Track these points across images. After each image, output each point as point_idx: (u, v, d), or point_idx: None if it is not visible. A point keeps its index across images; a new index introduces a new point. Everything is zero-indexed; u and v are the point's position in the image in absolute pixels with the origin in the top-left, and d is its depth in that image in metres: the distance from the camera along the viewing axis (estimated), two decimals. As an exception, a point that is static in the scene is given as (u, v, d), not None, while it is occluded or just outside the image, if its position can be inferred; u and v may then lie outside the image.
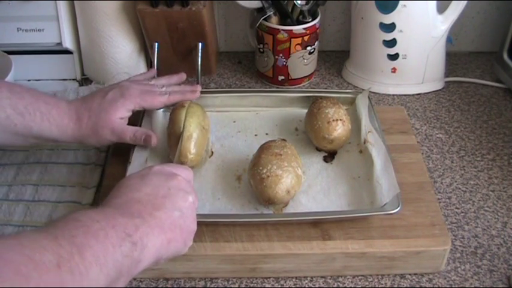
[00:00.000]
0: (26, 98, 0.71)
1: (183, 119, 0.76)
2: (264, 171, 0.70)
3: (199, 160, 0.77)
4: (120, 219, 0.53)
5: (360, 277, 0.68)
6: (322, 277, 0.68)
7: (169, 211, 0.57)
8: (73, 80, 1.00)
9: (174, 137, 0.76)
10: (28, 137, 0.72)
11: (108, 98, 0.75)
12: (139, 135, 0.76)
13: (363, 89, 0.90)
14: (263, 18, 0.94)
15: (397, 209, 0.67)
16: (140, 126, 0.80)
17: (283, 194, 0.69)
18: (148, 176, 0.60)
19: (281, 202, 0.70)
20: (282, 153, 0.72)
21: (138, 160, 0.75)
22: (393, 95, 1.00)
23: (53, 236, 0.47)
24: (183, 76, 0.87)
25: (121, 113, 0.75)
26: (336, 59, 1.09)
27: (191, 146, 0.74)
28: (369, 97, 0.84)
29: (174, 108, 0.79)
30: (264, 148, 0.73)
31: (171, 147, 0.76)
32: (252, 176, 0.71)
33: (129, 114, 0.76)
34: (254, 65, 1.04)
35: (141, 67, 1.02)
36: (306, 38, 0.95)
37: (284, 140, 0.77)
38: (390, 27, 0.93)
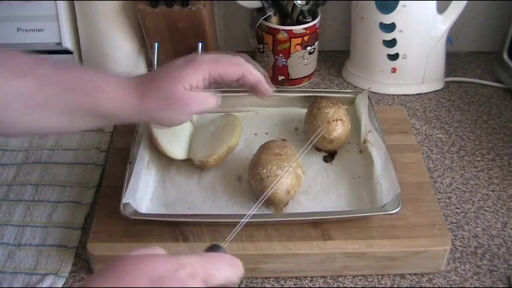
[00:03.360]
0: (73, 72, 0.62)
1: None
2: (264, 171, 0.70)
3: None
4: None
5: (360, 277, 0.68)
6: (322, 277, 0.68)
7: None
8: (73, 80, 1.00)
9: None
10: (79, 115, 0.62)
11: (176, 65, 0.65)
12: (218, 100, 0.67)
13: (363, 89, 0.90)
14: (263, 18, 0.94)
15: (397, 209, 0.67)
16: (138, 124, 0.80)
17: (283, 194, 0.69)
18: (163, 281, 0.43)
19: (281, 202, 0.70)
20: (282, 153, 0.72)
21: (139, 163, 0.74)
22: (393, 95, 1.00)
23: None
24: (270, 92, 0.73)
25: (194, 80, 0.64)
26: (336, 59, 1.09)
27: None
28: (368, 97, 0.84)
29: None
30: (264, 148, 0.73)
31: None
32: (252, 176, 0.71)
33: (203, 82, 0.65)
34: (254, 65, 1.04)
35: (141, 67, 1.02)
36: (306, 38, 0.95)
37: (284, 140, 0.77)
38: (390, 27, 0.93)
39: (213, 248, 0.50)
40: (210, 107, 0.66)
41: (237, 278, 0.48)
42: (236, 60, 0.68)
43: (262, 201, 0.65)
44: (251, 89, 0.70)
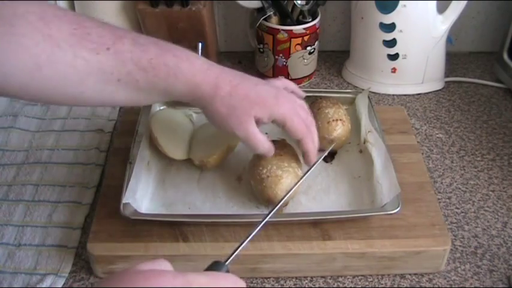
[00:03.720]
0: (151, 51, 0.61)
1: None
2: (264, 171, 0.70)
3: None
4: None
5: (360, 277, 0.68)
6: (322, 277, 0.68)
7: None
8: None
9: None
10: (152, 93, 0.63)
11: (260, 90, 0.65)
12: (264, 149, 0.68)
13: (363, 89, 0.90)
14: (263, 18, 0.94)
15: (397, 209, 0.67)
16: (138, 124, 0.80)
17: (283, 194, 0.69)
18: None
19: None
20: (282, 153, 0.72)
21: (139, 163, 0.74)
22: (393, 95, 1.00)
23: None
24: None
25: (261, 115, 0.65)
26: (336, 59, 1.09)
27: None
28: (368, 97, 0.84)
29: None
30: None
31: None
32: (252, 176, 0.71)
33: (265, 121, 0.66)
34: (254, 65, 1.04)
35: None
36: (306, 38, 0.95)
37: (284, 139, 0.77)
38: (390, 27, 0.93)
39: (215, 265, 0.50)
40: (250, 147, 0.67)
41: None
42: (309, 119, 0.70)
43: (270, 214, 0.61)
44: (301, 149, 0.71)
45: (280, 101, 0.66)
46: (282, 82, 0.73)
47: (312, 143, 0.69)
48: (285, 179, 0.69)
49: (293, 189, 0.67)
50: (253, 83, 0.66)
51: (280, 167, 0.70)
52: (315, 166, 0.70)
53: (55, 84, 0.57)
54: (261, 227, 0.57)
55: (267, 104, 0.65)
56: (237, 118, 0.64)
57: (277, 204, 0.62)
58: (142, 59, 0.60)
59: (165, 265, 0.46)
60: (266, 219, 0.58)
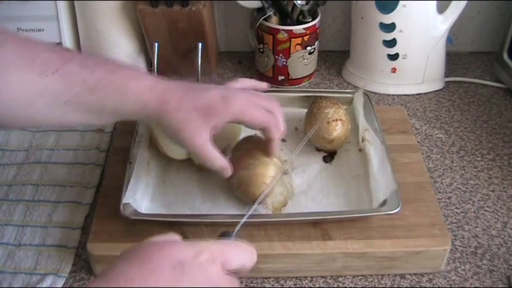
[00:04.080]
0: (99, 72, 0.61)
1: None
2: (235, 181, 0.70)
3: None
4: None
5: (360, 277, 0.68)
6: (322, 277, 0.68)
7: None
8: (73, 80, 1.00)
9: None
10: (102, 114, 0.63)
11: (207, 97, 0.64)
12: (218, 165, 0.66)
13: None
14: (263, 18, 0.94)
15: (397, 209, 0.67)
16: (138, 124, 0.80)
17: (262, 187, 0.69)
18: (184, 266, 0.45)
19: (275, 208, 0.70)
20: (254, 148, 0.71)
21: (139, 164, 0.74)
22: (393, 95, 1.00)
23: None
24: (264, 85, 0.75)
25: (214, 122, 0.63)
26: (336, 59, 1.09)
27: None
28: (368, 96, 0.84)
29: None
30: (235, 160, 0.72)
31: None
32: (231, 187, 0.71)
33: (219, 127, 0.65)
34: (254, 65, 1.04)
35: (141, 67, 1.02)
36: (306, 38, 0.95)
37: (283, 141, 0.77)
38: (390, 27, 0.93)
39: (224, 235, 0.53)
40: (205, 162, 0.66)
41: (251, 264, 0.50)
42: (271, 105, 0.68)
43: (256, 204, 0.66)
44: (265, 138, 0.69)
45: (230, 101, 0.64)
46: (240, 83, 0.72)
47: (276, 131, 0.67)
48: (259, 175, 0.69)
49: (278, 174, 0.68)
50: (198, 93, 0.64)
51: (249, 168, 0.70)
52: (299, 148, 0.71)
53: (5, 108, 0.58)
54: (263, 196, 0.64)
55: (216, 110, 0.64)
56: (188, 132, 0.63)
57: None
58: (91, 80, 0.61)
59: (175, 237, 0.49)
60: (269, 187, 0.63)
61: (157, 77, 0.65)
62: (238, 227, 0.57)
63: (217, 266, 0.47)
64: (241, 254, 0.50)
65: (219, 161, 0.66)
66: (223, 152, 0.76)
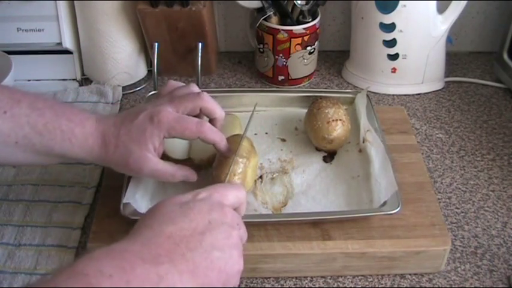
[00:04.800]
0: (47, 115, 0.63)
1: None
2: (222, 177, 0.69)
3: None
4: (138, 269, 0.44)
5: (360, 277, 0.68)
6: (322, 277, 0.68)
7: (206, 252, 0.49)
8: (73, 80, 1.00)
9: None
10: (50, 156, 0.66)
11: (137, 124, 0.65)
12: (179, 177, 0.68)
13: (363, 89, 0.90)
14: (263, 18, 0.94)
15: (397, 209, 0.67)
16: None
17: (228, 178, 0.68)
18: (189, 204, 0.53)
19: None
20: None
21: None
22: (393, 95, 1.00)
23: None
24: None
25: (152, 144, 0.64)
26: (336, 59, 1.09)
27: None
28: (368, 96, 0.84)
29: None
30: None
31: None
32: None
33: (160, 143, 0.66)
34: (254, 65, 1.04)
35: (141, 67, 1.02)
36: (306, 38, 0.95)
37: (284, 139, 0.76)
38: (390, 27, 0.93)
39: None
40: (166, 180, 0.68)
41: (243, 197, 0.58)
42: (195, 96, 0.67)
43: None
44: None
45: (157, 120, 0.64)
46: (167, 87, 0.71)
47: (211, 134, 0.66)
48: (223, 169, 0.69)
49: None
50: (131, 122, 0.65)
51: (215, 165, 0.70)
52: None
53: None
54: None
55: (149, 133, 0.64)
56: (134, 164, 0.65)
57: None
58: (38, 123, 0.63)
59: (231, 198, 0.57)
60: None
61: (99, 116, 0.67)
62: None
63: (216, 199, 0.55)
64: (232, 188, 0.58)
65: (178, 173, 0.68)
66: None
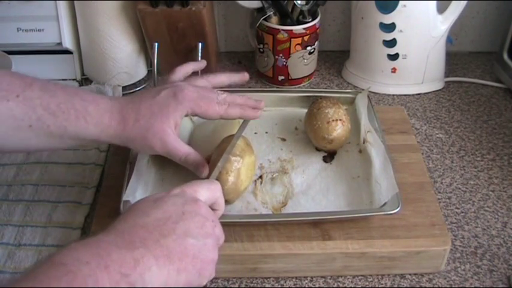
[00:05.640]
0: (59, 96, 0.63)
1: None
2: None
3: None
4: (114, 254, 0.46)
5: (360, 277, 0.68)
6: (322, 277, 0.68)
7: (180, 238, 0.51)
8: (73, 80, 1.00)
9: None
10: (64, 138, 0.65)
11: (159, 100, 0.66)
12: (191, 161, 0.68)
13: (363, 89, 0.90)
14: (263, 18, 0.94)
15: (397, 209, 0.67)
16: None
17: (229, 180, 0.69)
18: (163, 198, 0.54)
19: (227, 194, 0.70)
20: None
21: (140, 162, 0.74)
22: (393, 95, 1.00)
23: None
24: (245, 76, 0.79)
25: (174, 119, 0.66)
26: (336, 59, 1.09)
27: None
28: (368, 97, 0.84)
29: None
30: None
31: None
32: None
33: (181, 120, 0.67)
34: (254, 65, 1.04)
35: (141, 67, 1.02)
36: (306, 38, 0.95)
37: (284, 139, 0.76)
38: (390, 27, 0.93)
39: None
40: (178, 160, 0.68)
41: (217, 194, 0.59)
42: (221, 98, 0.70)
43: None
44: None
45: (181, 96, 0.66)
46: (178, 72, 0.75)
47: (232, 111, 0.70)
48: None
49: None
50: (151, 99, 0.67)
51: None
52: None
53: None
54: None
55: (171, 108, 0.66)
56: (154, 137, 0.65)
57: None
58: (51, 104, 0.63)
59: (204, 193, 0.58)
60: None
61: (112, 96, 0.67)
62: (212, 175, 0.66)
63: (190, 195, 0.56)
64: (205, 183, 0.59)
65: (191, 156, 0.68)
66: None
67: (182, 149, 0.67)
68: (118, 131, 0.65)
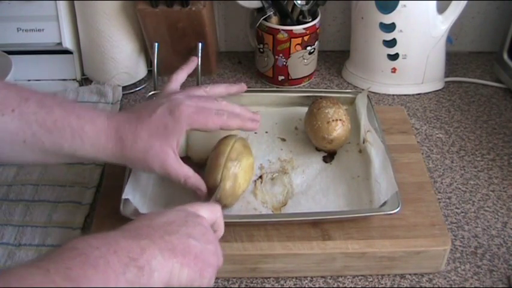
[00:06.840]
0: (56, 112, 0.62)
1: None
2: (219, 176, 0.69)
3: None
4: (123, 242, 0.48)
5: (360, 277, 0.68)
6: (322, 277, 0.68)
7: (183, 237, 0.51)
8: (73, 80, 1.00)
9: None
10: (60, 155, 0.64)
11: (156, 119, 0.64)
12: (190, 184, 0.67)
13: (363, 89, 0.90)
14: (263, 18, 0.94)
15: (397, 209, 0.67)
16: None
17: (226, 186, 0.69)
18: (166, 211, 0.55)
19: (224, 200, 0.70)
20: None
21: None
22: (393, 95, 1.00)
23: (45, 270, 0.42)
24: (243, 87, 0.78)
25: (174, 139, 0.64)
26: (336, 59, 1.09)
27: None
28: (368, 97, 0.84)
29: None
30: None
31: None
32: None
33: (182, 138, 0.66)
34: (254, 65, 1.04)
35: (141, 67, 1.02)
36: (306, 38, 0.95)
37: (284, 139, 0.77)
38: (390, 27, 0.93)
39: None
40: (177, 181, 0.67)
41: (217, 214, 0.59)
42: (219, 107, 0.68)
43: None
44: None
45: (177, 113, 0.65)
46: (174, 81, 0.75)
47: (232, 120, 0.68)
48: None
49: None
50: (148, 117, 0.65)
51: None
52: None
53: None
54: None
55: (169, 128, 0.64)
56: (154, 159, 0.65)
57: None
58: (47, 121, 0.61)
59: (205, 212, 0.58)
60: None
61: (109, 113, 0.66)
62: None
63: (191, 211, 0.56)
64: (206, 205, 0.59)
65: (191, 180, 0.67)
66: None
67: (181, 172, 0.66)
68: (115, 152, 0.64)
